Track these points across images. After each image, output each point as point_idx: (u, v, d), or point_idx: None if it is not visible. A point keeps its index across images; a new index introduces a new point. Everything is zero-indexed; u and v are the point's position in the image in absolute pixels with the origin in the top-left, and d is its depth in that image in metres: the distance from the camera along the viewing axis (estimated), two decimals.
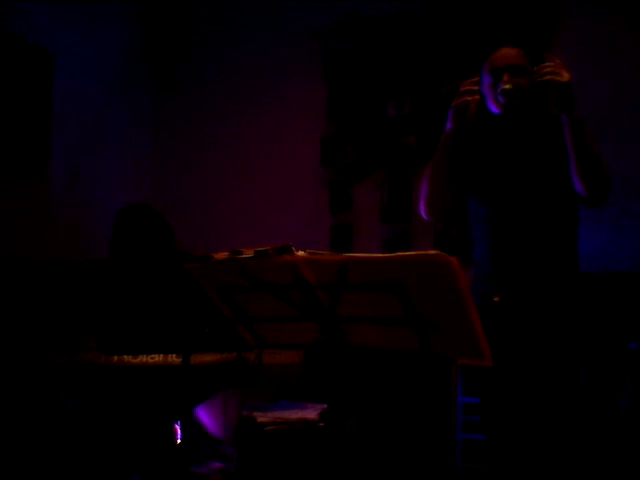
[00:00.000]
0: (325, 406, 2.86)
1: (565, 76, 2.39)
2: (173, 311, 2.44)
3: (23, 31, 3.96)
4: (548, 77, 2.37)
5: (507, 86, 2.40)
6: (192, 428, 3.13)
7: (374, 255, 1.62)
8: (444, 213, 2.61)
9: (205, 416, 3.32)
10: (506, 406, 2.48)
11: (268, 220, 4.54)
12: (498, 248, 2.50)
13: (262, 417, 2.91)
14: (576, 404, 2.50)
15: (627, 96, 3.82)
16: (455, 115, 2.43)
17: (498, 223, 2.52)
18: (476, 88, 2.45)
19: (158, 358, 2.83)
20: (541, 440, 2.43)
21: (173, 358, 2.81)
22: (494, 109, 2.47)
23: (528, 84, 2.47)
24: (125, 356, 2.83)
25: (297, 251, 1.64)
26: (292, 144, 4.61)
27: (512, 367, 2.45)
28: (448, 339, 1.63)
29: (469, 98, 2.43)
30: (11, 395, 3.00)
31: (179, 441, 2.58)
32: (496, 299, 2.45)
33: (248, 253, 1.70)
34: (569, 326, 2.46)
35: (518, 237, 2.48)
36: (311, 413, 2.94)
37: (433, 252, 1.51)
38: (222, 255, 1.75)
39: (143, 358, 2.83)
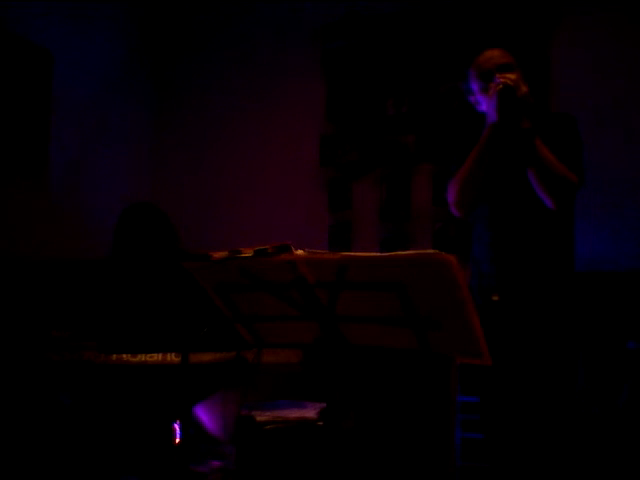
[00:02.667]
0: (324, 405, 2.86)
1: (522, 90, 2.39)
2: (172, 310, 2.44)
3: (22, 29, 3.96)
4: (502, 80, 2.36)
5: (501, 84, 2.38)
6: (191, 427, 3.13)
7: (373, 254, 1.62)
8: (473, 207, 2.59)
9: (204, 415, 3.32)
10: (505, 405, 2.49)
11: (267, 219, 4.54)
12: (496, 246, 2.51)
13: (261, 416, 2.91)
14: (573, 402, 2.50)
15: (626, 96, 3.82)
16: (501, 100, 2.37)
17: (497, 222, 2.53)
18: (509, 75, 2.42)
19: (157, 357, 2.83)
20: (539, 438, 2.43)
21: (172, 357, 2.81)
22: (490, 112, 2.46)
23: (521, 81, 2.46)
24: (124, 355, 2.83)
25: (296, 250, 1.64)
26: (291, 143, 4.61)
27: (510, 366, 2.45)
28: (447, 338, 1.63)
29: (510, 75, 2.40)
30: (10, 394, 3.00)
31: (178, 440, 2.58)
32: (495, 298, 2.46)
33: (247, 252, 1.70)
34: (566, 324, 2.47)
35: (516, 235, 2.49)
36: (310, 412, 2.94)
37: (432, 251, 1.51)
38: (221, 254, 1.75)
39: (142, 357, 2.83)
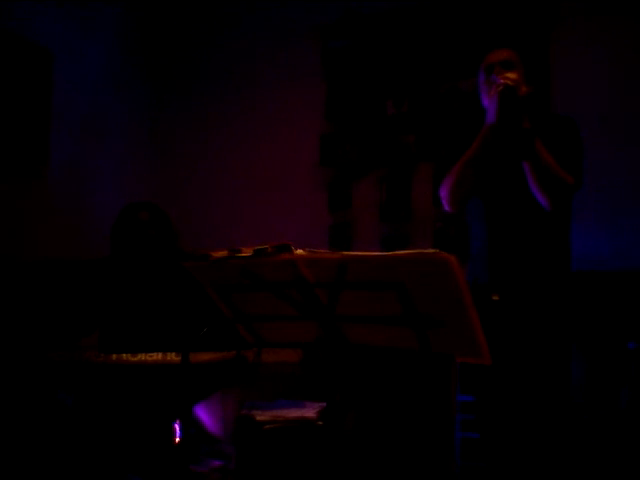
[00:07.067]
0: (324, 405, 2.86)
1: (523, 90, 2.42)
2: (172, 310, 2.44)
3: (22, 29, 3.96)
4: (503, 80, 2.38)
5: (501, 85, 2.39)
6: (191, 427, 3.13)
7: (373, 254, 1.62)
8: (464, 204, 2.62)
9: (204, 415, 3.32)
10: (501, 404, 2.50)
11: (267, 218, 4.54)
12: (493, 244, 2.53)
13: (261, 416, 2.91)
14: (568, 401, 2.51)
15: (625, 96, 3.82)
16: (502, 101, 2.39)
17: (493, 220, 2.54)
18: (510, 74, 2.45)
19: (157, 357, 2.83)
20: (535, 437, 2.44)
21: (172, 357, 2.81)
22: (490, 112, 2.46)
23: (522, 81, 2.48)
24: (124, 354, 2.83)
25: (296, 250, 1.64)
26: (291, 142, 4.61)
27: (506, 365, 2.46)
28: (447, 337, 1.63)
29: (511, 75, 2.43)
30: (10, 394, 3.00)
31: (178, 440, 2.58)
32: (495, 298, 2.47)
33: (247, 252, 1.70)
34: (561, 323, 2.48)
35: (512, 234, 2.51)
36: (310, 412, 2.94)
37: (432, 251, 1.51)
38: (221, 254, 1.75)
39: (142, 357, 2.83)
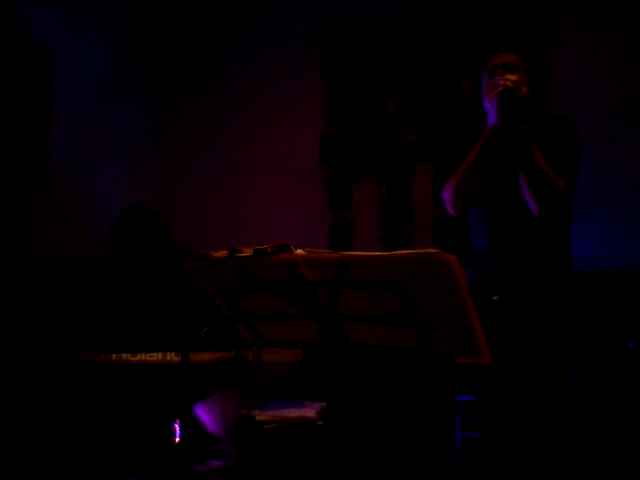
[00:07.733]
0: (324, 404, 2.86)
1: (522, 91, 2.41)
2: (172, 309, 2.44)
3: (22, 30, 3.96)
4: (502, 82, 2.38)
5: (501, 86, 2.39)
6: (191, 427, 3.13)
7: (373, 253, 1.62)
8: (468, 206, 2.62)
9: (204, 414, 3.32)
10: (502, 403, 2.50)
11: (267, 218, 4.54)
12: (493, 245, 2.53)
13: (261, 415, 2.90)
14: (568, 401, 2.51)
15: (626, 96, 3.82)
16: (501, 102, 2.38)
17: (494, 221, 2.54)
18: (511, 76, 2.45)
19: (157, 356, 2.83)
20: (536, 437, 2.44)
21: (172, 356, 2.81)
22: (491, 114, 2.46)
23: (523, 83, 2.48)
24: (124, 354, 2.83)
25: (296, 249, 1.64)
26: (291, 142, 4.61)
27: (507, 365, 2.46)
28: (447, 337, 1.63)
29: (511, 77, 2.43)
30: (10, 393, 3.00)
31: (178, 440, 2.58)
32: (495, 297, 2.47)
33: (247, 251, 1.70)
34: (563, 322, 2.48)
35: (512, 234, 2.51)
36: (310, 411, 2.94)
37: (432, 250, 1.51)
38: (221, 253, 1.75)
39: (142, 356, 2.83)
